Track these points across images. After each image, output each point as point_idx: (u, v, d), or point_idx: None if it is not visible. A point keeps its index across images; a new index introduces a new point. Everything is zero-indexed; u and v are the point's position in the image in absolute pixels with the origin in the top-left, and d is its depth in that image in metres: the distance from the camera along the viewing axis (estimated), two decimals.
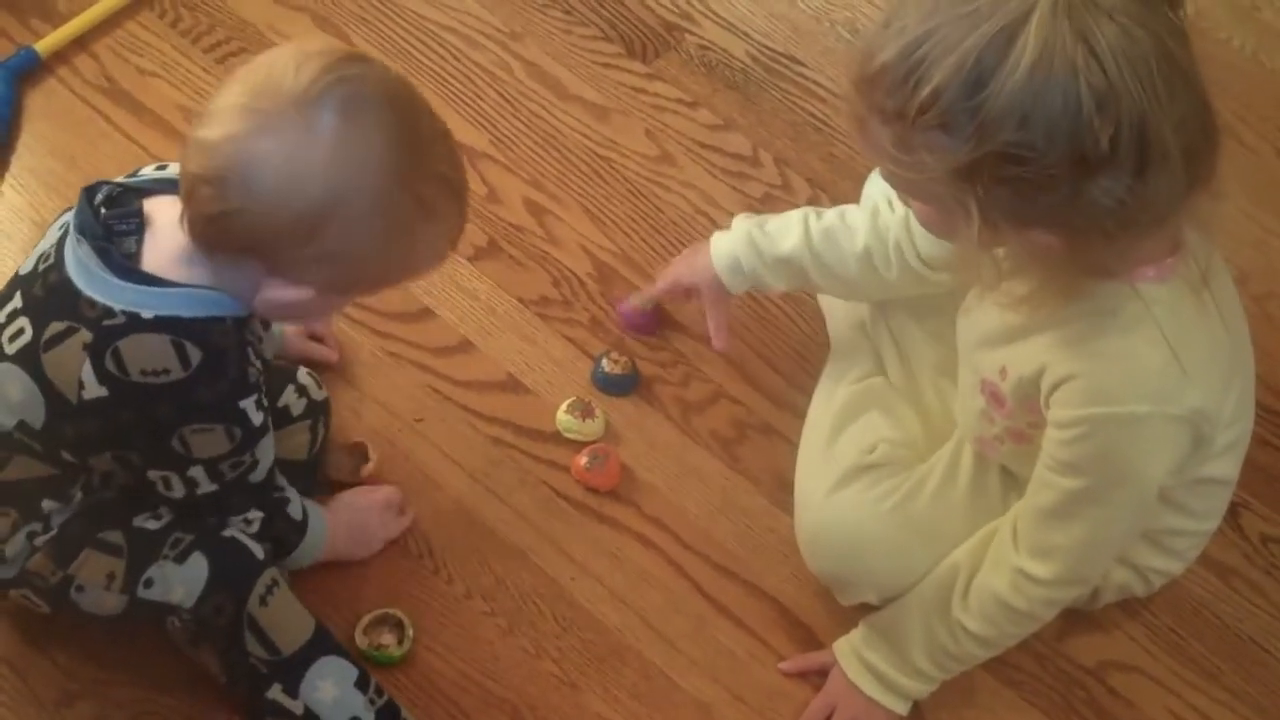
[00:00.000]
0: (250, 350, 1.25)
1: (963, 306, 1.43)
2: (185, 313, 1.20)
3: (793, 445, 1.60)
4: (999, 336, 1.35)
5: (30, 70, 1.85)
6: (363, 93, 1.16)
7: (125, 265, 1.21)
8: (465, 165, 1.26)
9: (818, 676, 1.51)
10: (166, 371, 1.20)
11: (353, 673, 1.39)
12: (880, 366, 1.61)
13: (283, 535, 1.41)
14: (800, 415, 1.62)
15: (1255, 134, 1.99)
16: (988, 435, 1.43)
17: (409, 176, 1.18)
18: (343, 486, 1.56)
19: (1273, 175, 1.97)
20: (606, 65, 1.98)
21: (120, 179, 1.29)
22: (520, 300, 1.75)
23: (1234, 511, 1.62)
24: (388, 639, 1.48)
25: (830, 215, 1.55)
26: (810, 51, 2.03)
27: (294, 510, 1.42)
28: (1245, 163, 1.96)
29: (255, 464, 1.30)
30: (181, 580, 1.33)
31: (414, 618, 1.50)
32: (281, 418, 1.51)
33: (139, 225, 1.23)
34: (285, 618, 1.37)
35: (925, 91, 1.11)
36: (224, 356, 1.22)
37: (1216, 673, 1.57)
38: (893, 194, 1.47)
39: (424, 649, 1.50)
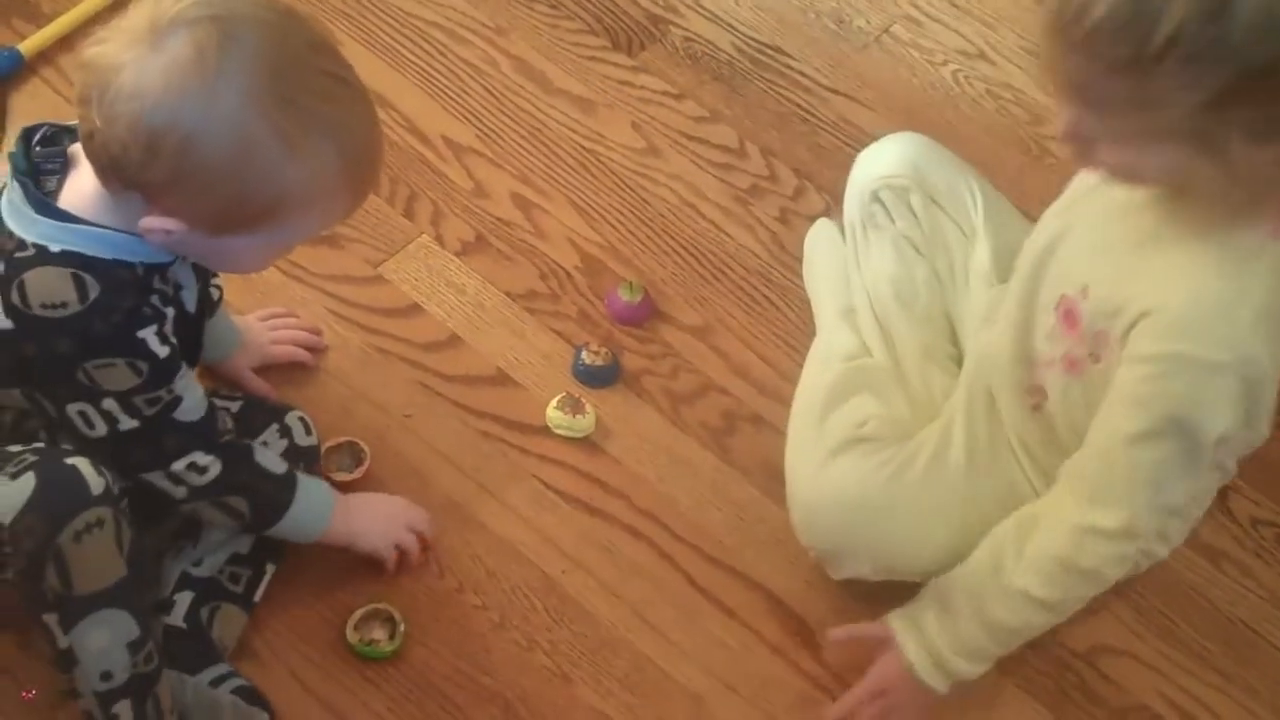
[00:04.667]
0: (157, 295, 1.26)
1: (1054, 208, 1.38)
2: (92, 251, 1.22)
3: (782, 435, 1.60)
4: (1104, 246, 1.31)
5: (14, 71, 1.85)
6: (221, 15, 1.16)
7: (43, 200, 1.23)
8: (365, 107, 1.23)
9: (812, 661, 1.51)
10: (64, 305, 1.21)
11: (134, 633, 1.31)
12: (867, 350, 1.60)
13: (270, 494, 1.39)
14: (789, 404, 1.62)
15: None
16: (1042, 358, 1.40)
17: (259, 99, 1.16)
18: (340, 487, 1.56)
19: None
20: (592, 59, 1.98)
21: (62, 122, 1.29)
22: (508, 294, 1.75)
23: (1223, 495, 1.63)
24: (379, 634, 1.48)
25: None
26: (795, 42, 2.03)
27: (267, 461, 1.39)
28: None
29: (177, 400, 1.29)
30: (7, 496, 1.26)
31: (405, 612, 1.50)
32: None
33: (63, 165, 1.25)
34: (95, 562, 1.28)
35: (1163, 31, 1.07)
36: (121, 292, 1.23)
37: (1207, 655, 1.57)
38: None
39: (416, 643, 1.49)
